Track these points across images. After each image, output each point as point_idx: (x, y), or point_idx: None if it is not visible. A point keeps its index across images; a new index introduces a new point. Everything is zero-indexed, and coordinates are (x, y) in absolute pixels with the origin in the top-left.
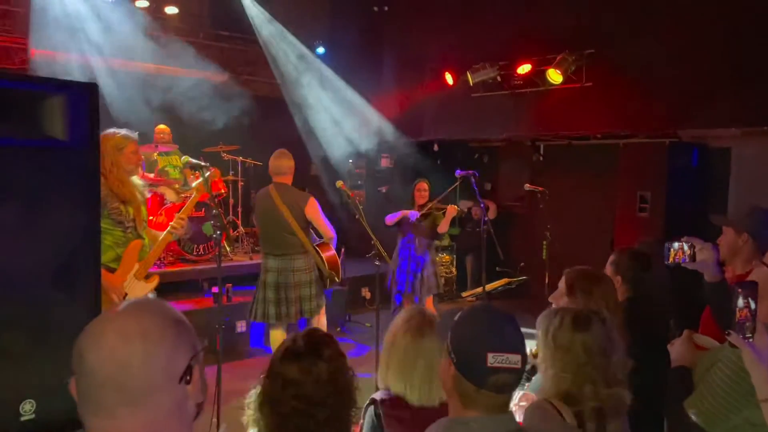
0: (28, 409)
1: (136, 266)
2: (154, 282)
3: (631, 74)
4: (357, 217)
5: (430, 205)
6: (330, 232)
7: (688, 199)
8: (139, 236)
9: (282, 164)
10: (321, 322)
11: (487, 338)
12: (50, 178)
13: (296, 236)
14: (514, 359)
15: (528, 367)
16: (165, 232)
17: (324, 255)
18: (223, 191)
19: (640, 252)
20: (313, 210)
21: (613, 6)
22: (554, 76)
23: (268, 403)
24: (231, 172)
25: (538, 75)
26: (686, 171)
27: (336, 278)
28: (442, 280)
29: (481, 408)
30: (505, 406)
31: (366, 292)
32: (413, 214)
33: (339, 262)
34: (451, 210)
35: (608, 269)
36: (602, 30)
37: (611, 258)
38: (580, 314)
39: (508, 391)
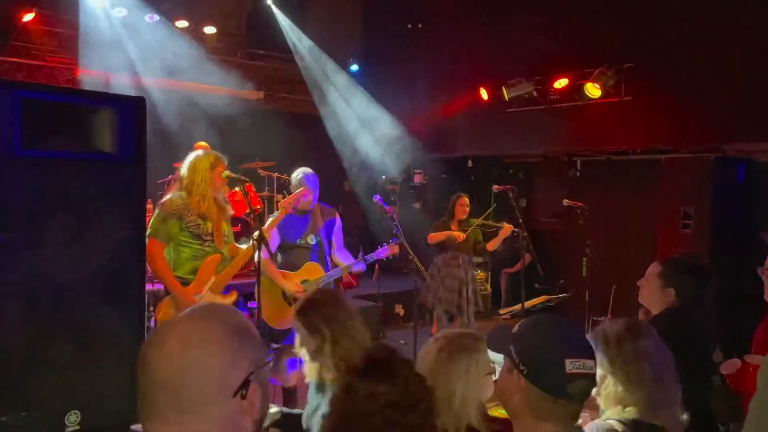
0: (73, 420)
1: (213, 279)
2: (233, 297)
3: (672, 88)
4: (395, 232)
5: (478, 221)
6: None
7: (734, 215)
8: (218, 251)
9: None
10: None
11: (563, 344)
12: (98, 190)
13: None
14: (590, 364)
15: None
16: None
17: None
18: (258, 207)
19: (698, 265)
20: None
21: (652, 18)
22: (592, 90)
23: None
24: (267, 188)
25: (575, 89)
26: (732, 186)
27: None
28: (480, 298)
29: (557, 420)
30: (577, 415)
31: (399, 309)
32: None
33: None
34: (507, 229)
35: (655, 281)
36: (641, 43)
37: (659, 269)
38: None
39: (585, 398)
